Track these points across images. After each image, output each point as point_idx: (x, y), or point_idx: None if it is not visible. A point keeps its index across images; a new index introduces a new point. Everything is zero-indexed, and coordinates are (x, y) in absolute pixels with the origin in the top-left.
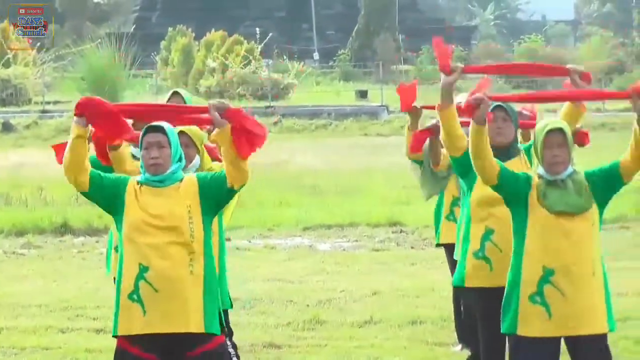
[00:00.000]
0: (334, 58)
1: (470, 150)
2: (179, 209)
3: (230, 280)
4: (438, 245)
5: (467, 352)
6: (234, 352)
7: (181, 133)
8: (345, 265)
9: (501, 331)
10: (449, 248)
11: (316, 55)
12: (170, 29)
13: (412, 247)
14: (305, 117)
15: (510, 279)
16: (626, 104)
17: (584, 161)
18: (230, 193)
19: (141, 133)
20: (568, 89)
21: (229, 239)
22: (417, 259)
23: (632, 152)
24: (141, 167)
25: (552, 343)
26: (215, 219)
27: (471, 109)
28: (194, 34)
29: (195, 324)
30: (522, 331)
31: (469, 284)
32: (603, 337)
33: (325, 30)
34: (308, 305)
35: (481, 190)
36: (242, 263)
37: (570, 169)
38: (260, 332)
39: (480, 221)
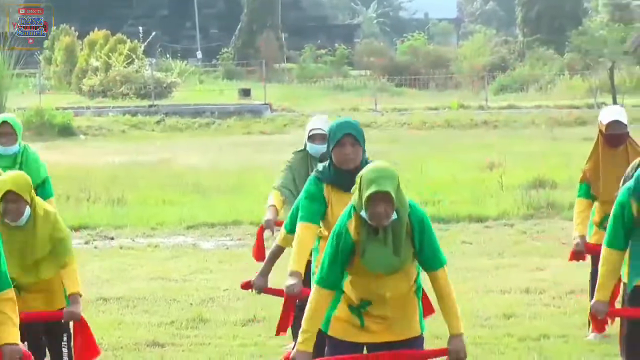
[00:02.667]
0: (217, 57)
1: None
2: None
3: (115, 279)
4: None
5: None
6: (67, 352)
7: (8, 192)
8: (229, 264)
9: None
10: None
11: (199, 54)
12: (53, 28)
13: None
14: (188, 115)
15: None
16: (509, 101)
17: (469, 158)
18: None
19: None
20: None
21: (112, 238)
22: None
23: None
24: None
25: (361, 346)
26: None
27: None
28: (77, 33)
29: None
30: (332, 332)
31: None
32: (417, 339)
33: (208, 28)
34: (191, 304)
35: None
36: (126, 262)
37: (393, 217)
38: (143, 330)
39: None
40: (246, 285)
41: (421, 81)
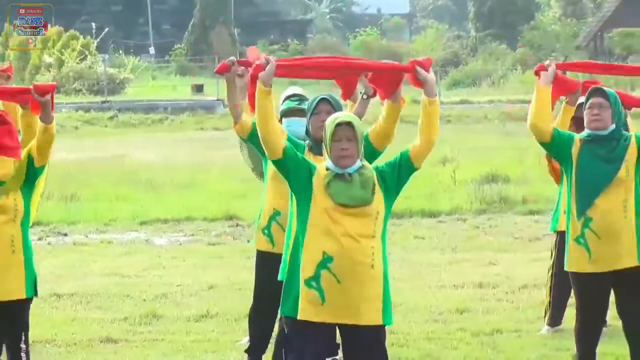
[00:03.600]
0: (170, 53)
1: None
2: None
3: (68, 275)
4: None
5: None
6: (24, 348)
7: None
8: (182, 260)
9: (280, 314)
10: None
11: (152, 50)
12: (6, 24)
13: (248, 241)
14: (141, 111)
15: (291, 264)
16: (462, 96)
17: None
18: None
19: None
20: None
21: (65, 234)
22: (253, 252)
23: (421, 129)
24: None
25: (326, 329)
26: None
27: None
28: None
29: None
30: (301, 315)
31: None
32: (378, 329)
33: (161, 25)
34: (145, 300)
35: None
36: (79, 258)
37: (358, 163)
38: (97, 326)
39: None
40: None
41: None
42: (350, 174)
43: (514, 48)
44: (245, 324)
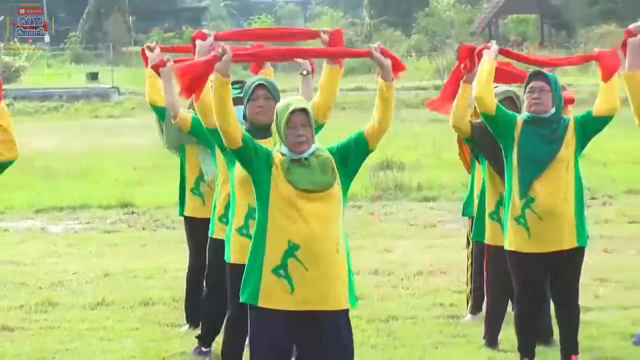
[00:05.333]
0: (65, 40)
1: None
2: None
3: None
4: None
5: (197, 331)
6: None
7: None
8: (77, 248)
9: (240, 300)
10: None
11: (47, 38)
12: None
13: (143, 229)
14: (36, 99)
15: (253, 250)
16: (358, 83)
17: (317, 140)
18: None
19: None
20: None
21: None
22: (149, 240)
23: (377, 111)
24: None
25: (293, 317)
26: None
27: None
28: None
29: None
30: (263, 303)
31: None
32: (345, 312)
33: (56, 12)
34: (41, 288)
35: None
36: None
37: (313, 147)
38: None
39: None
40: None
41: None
42: (307, 159)
43: (409, 35)
44: (140, 311)
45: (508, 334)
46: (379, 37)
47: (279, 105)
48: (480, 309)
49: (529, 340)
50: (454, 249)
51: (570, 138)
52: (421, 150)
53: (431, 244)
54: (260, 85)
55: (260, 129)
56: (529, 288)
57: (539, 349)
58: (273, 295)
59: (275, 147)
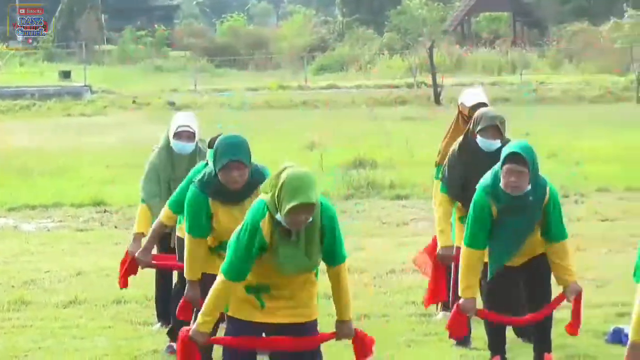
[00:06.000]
0: (38, 39)
1: None
2: None
3: None
4: None
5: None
6: None
7: None
8: (50, 246)
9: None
10: None
11: (20, 36)
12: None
13: (115, 227)
14: (9, 98)
15: None
16: (330, 81)
17: (289, 139)
18: None
19: None
20: None
21: None
22: (121, 238)
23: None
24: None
25: (261, 326)
26: None
27: None
28: None
29: None
30: (232, 313)
31: None
32: (314, 322)
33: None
34: (13, 286)
35: None
36: None
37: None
38: None
39: None
40: (131, 268)
41: (241, 62)
42: (298, 236)
43: (381, 33)
44: (112, 309)
45: (480, 332)
46: (352, 36)
47: (287, 182)
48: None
49: (499, 338)
50: None
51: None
52: (394, 149)
53: (403, 242)
54: (233, 161)
55: (231, 192)
56: (499, 288)
57: (512, 346)
58: (242, 309)
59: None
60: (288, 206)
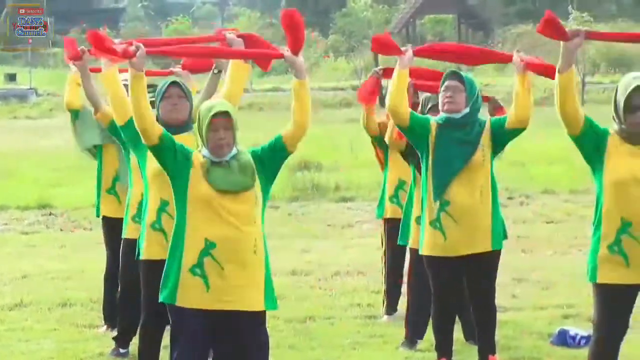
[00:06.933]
0: None
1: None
2: None
3: None
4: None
5: (114, 332)
6: None
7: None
8: None
9: (160, 300)
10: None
11: None
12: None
13: (61, 230)
14: None
15: (171, 250)
16: (274, 84)
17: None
18: None
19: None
20: None
21: None
22: (67, 241)
23: (294, 114)
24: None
25: (209, 315)
26: None
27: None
28: None
29: None
30: (181, 302)
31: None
32: (260, 314)
33: None
34: None
35: None
36: None
37: (234, 150)
38: None
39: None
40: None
41: None
42: (227, 161)
43: (326, 35)
44: (58, 312)
45: (428, 334)
46: None
47: (202, 107)
48: (395, 310)
49: (446, 340)
50: (372, 249)
51: (485, 141)
52: (339, 151)
53: (349, 245)
54: (173, 84)
55: (173, 128)
56: (446, 289)
57: (459, 349)
58: (190, 294)
59: (196, 147)
60: (206, 121)
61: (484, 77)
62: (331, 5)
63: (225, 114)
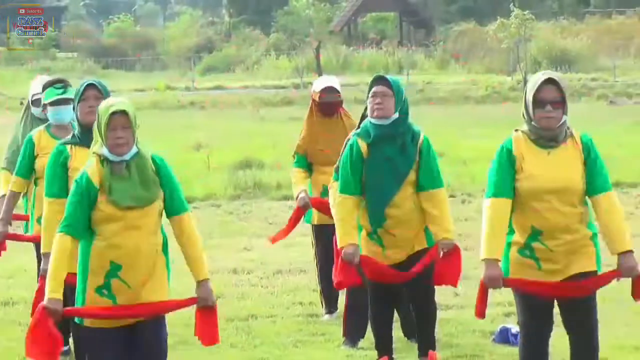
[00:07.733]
0: None
1: None
2: None
3: None
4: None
5: None
6: None
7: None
8: None
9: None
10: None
11: None
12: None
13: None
14: None
15: (79, 273)
16: (217, 82)
17: (176, 139)
18: None
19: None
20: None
21: None
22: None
23: None
24: None
25: (116, 333)
26: None
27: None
28: None
29: None
30: (88, 323)
31: None
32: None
33: None
34: None
35: None
36: None
37: (134, 150)
38: None
39: None
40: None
41: (128, 63)
42: (127, 165)
43: (268, 33)
44: (0, 311)
45: (367, 332)
46: (238, 36)
47: (101, 105)
48: (336, 308)
49: (385, 339)
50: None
51: (417, 159)
52: (280, 149)
53: (290, 243)
54: (90, 85)
55: (90, 132)
56: (382, 287)
57: (399, 347)
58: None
59: (93, 148)
60: (103, 121)
61: (425, 76)
62: (273, 4)
63: (124, 113)
